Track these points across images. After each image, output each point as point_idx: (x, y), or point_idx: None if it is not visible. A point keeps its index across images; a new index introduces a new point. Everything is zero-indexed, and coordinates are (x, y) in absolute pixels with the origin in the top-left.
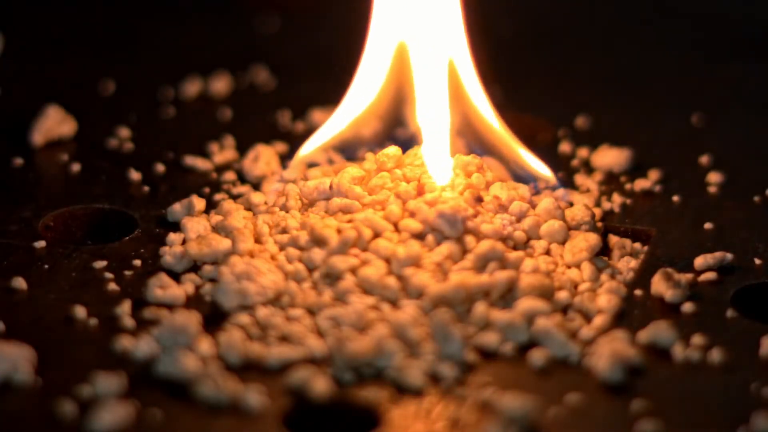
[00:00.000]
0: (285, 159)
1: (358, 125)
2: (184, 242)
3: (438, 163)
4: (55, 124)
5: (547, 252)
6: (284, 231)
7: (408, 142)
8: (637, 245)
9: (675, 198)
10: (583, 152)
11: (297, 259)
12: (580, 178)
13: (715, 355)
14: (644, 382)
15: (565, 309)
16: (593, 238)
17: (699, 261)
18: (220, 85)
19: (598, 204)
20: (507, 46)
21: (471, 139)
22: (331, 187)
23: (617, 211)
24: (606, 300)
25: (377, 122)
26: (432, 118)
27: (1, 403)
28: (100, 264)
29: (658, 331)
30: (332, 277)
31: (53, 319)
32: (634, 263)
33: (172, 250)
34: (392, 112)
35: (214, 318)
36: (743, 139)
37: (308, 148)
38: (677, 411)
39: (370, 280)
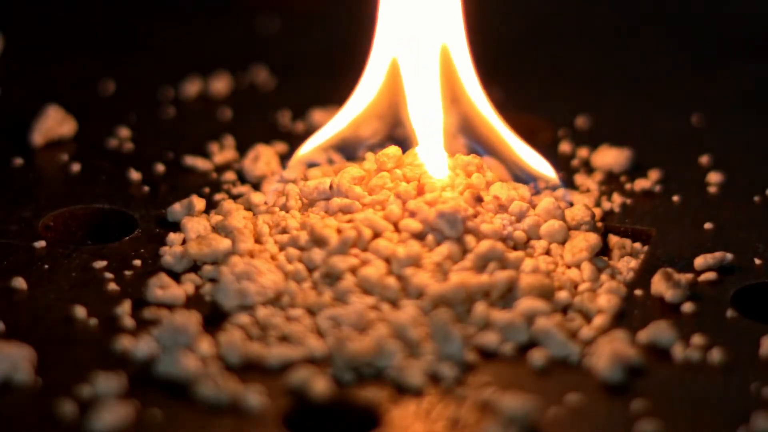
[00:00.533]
0: (285, 159)
1: (358, 125)
2: (184, 242)
3: (435, 161)
4: (55, 124)
5: (547, 252)
6: (284, 231)
7: (408, 142)
8: (637, 245)
9: (675, 198)
10: (583, 152)
11: (297, 259)
12: (580, 178)
13: (715, 355)
14: (644, 382)
15: (565, 309)
16: (593, 238)
17: (699, 261)
18: (220, 85)
19: (598, 204)
20: (507, 46)
21: (473, 138)
22: (331, 187)
23: (617, 211)
24: (606, 300)
25: (377, 122)
26: (427, 118)
27: (1, 403)
28: (100, 264)
29: (658, 331)
30: (332, 277)
31: (53, 319)
32: (634, 263)
33: (172, 250)
34: (392, 112)
35: (214, 318)
36: (743, 139)
37: (307, 148)
38: (677, 411)
39: (370, 280)
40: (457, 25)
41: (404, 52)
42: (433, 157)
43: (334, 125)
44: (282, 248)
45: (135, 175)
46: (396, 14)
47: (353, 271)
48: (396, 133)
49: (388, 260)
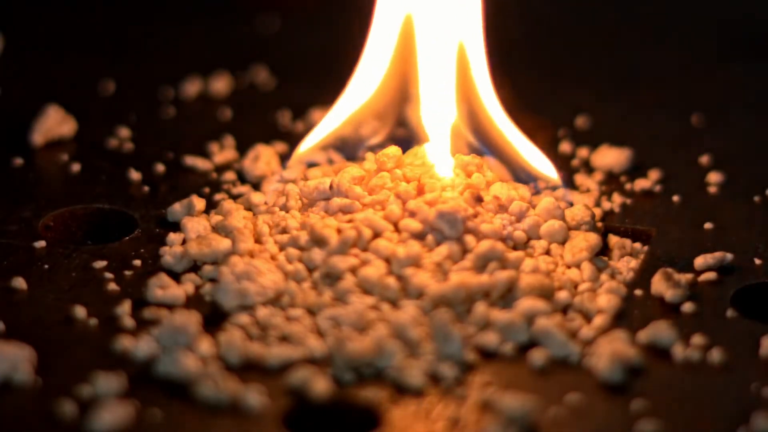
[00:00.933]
0: (285, 159)
1: (358, 124)
2: (184, 242)
3: (441, 155)
4: (55, 124)
5: (547, 252)
6: (284, 231)
7: (408, 142)
8: (637, 245)
9: (675, 198)
10: (583, 152)
11: (297, 259)
12: (580, 178)
13: (715, 355)
14: (644, 382)
15: (565, 309)
16: (593, 238)
17: (699, 261)
18: (220, 85)
19: (598, 204)
20: (507, 46)
21: (475, 137)
22: (331, 187)
23: (617, 211)
24: (606, 300)
25: (376, 121)
26: (437, 111)
27: (1, 403)
28: (100, 264)
29: (658, 331)
30: (332, 277)
31: (53, 319)
32: (634, 263)
33: (172, 250)
34: (392, 111)
35: (214, 318)
36: (743, 139)
37: (306, 146)
38: (677, 411)
39: (370, 280)
40: (475, 23)
41: (420, 47)
42: (440, 154)
43: (334, 121)
44: (282, 248)
45: (135, 175)
46: (410, 11)
47: (353, 271)
48: (396, 133)
49: (388, 260)
